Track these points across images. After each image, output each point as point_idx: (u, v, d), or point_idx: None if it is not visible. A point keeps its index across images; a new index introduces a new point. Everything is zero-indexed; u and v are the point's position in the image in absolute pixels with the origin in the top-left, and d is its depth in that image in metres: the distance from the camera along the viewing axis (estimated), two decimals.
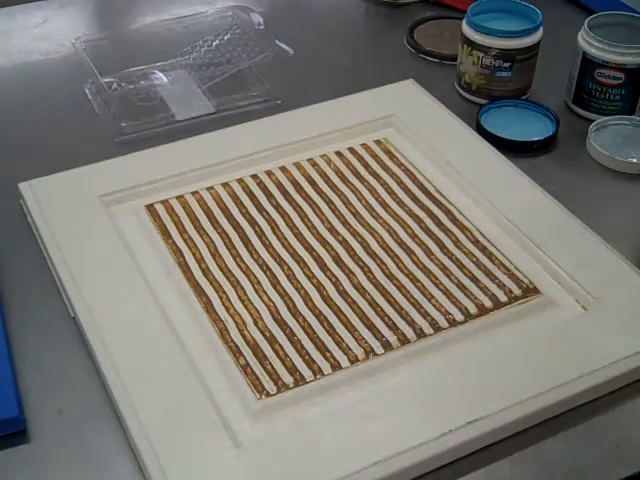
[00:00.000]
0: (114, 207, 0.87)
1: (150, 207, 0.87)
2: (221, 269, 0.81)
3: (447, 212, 0.87)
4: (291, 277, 0.80)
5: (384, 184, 0.91)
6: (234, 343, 0.74)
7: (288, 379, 0.71)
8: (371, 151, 0.95)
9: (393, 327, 0.75)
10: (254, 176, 0.91)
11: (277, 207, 0.87)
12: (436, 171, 0.92)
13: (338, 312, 0.77)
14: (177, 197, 0.88)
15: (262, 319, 0.76)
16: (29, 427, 0.69)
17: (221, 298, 0.78)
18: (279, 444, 0.66)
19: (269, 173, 0.91)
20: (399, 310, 0.77)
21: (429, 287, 0.79)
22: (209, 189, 0.89)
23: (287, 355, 0.73)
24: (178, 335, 0.74)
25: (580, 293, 0.78)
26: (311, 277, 0.80)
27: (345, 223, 0.86)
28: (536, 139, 0.97)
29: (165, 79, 1.02)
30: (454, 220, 0.86)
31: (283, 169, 0.92)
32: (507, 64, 1.01)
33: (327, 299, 0.78)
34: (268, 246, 0.83)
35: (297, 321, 0.76)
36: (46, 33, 1.17)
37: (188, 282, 0.79)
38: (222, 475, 0.64)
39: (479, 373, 0.71)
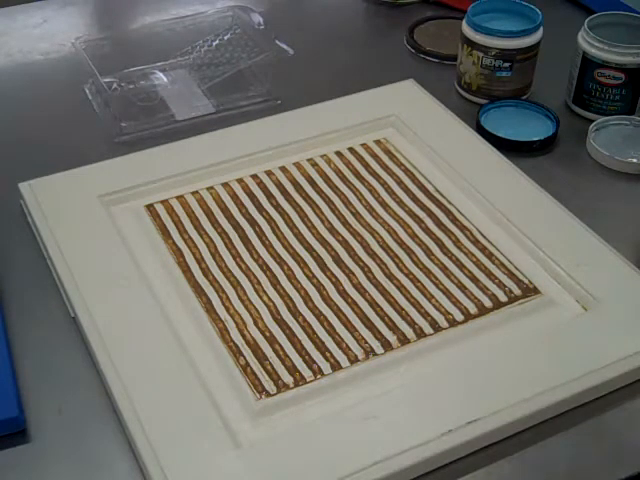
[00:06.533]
0: (114, 207, 0.87)
1: (150, 207, 0.87)
2: (221, 269, 0.81)
3: (447, 212, 0.87)
4: (291, 277, 0.80)
5: (384, 184, 0.91)
6: (234, 343, 0.74)
7: (288, 379, 0.71)
8: (371, 151, 0.95)
9: (393, 327, 0.75)
10: (254, 176, 0.91)
11: (277, 207, 0.87)
12: (436, 171, 0.92)
13: (338, 312, 0.77)
14: (177, 197, 0.88)
15: (262, 319, 0.76)
16: (29, 427, 0.69)
17: (221, 298, 0.78)
18: (279, 444, 0.66)
19: (269, 173, 0.91)
20: (399, 310, 0.77)
21: (429, 287, 0.79)
22: (209, 189, 0.89)
23: (287, 355, 0.73)
24: (178, 335, 0.74)
25: (580, 293, 0.78)
26: (311, 277, 0.80)
27: (345, 223, 0.86)
28: (536, 139, 0.97)
29: (165, 79, 1.02)
30: (454, 220, 0.86)
31: (283, 169, 0.92)
32: (507, 64, 1.01)
33: (327, 299, 0.78)
34: (268, 246, 0.83)
35: (297, 321, 0.76)
36: (46, 33, 1.17)
37: (188, 282, 0.79)
38: (222, 475, 0.64)
39: (479, 373, 0.71)
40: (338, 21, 1.23)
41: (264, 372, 0.71)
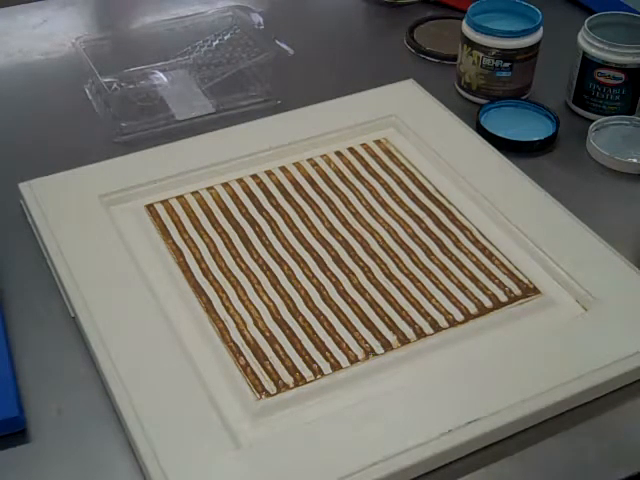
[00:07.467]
0: (114, 207, 0.87)
1: (150, 207, 0.87)
2: (221, 269, 0.81)
3: (447, 212, 0.87)
4: (291, 277, 0.80)
5: (384, 184, 0.91)
6: (234, 343, 0.74)
7: (288, 379, 0.71)
8: (371, 151, 0.95)
9: (393, 327, 0.75)
10: (254, 176, 0.91)
11: (277, 207, 0.87)
12: (436, 171, 0.92)
13: (338, 312, 0.77)
14: (177, 197, 0.88)
15: (262, 319, 0.76)
16: (29, 427, 0.69)
17: (221, 298, 0.78)
18: (279, 444, 0.66)
19: (269, 173, 0.91)
20: (399, 310, 0.77)
21: (429, 287, 0.79)
22: (209, 189, 0.89)
23: (287, 355, 0.73)
24: (178, 335, 0.74)
25: (580, 293, 0.78)
26: (311, 277, 0.80)
27: (345, 223, 0.86)
28: (536, 139, 0.97)
29: (165, 79, 1.02)
30: (454, 220, 0.86)
31: (283, 169, 0.92)
32: (507, 64, 1.01)
33: (327, 299, 0.78)
34: (268, 246, 0.83)
35: (297, 321, 0.76)
36: (46, 33, 1.17)
37: (188, 282, 0.79)
38: (222, 475, 0.64)
39: (479, 373, 0.71)
40: (338, 21, 1.23)
41: (264, 372, 0.71)
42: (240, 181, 0.90)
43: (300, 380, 0.71)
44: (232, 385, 0.71)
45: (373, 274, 0.80)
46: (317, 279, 0.80)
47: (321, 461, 0.65)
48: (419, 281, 0.80)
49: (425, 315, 0.76)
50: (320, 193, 0.89)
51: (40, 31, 1.17)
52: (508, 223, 0.85)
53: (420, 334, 0.75)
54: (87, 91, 1.04)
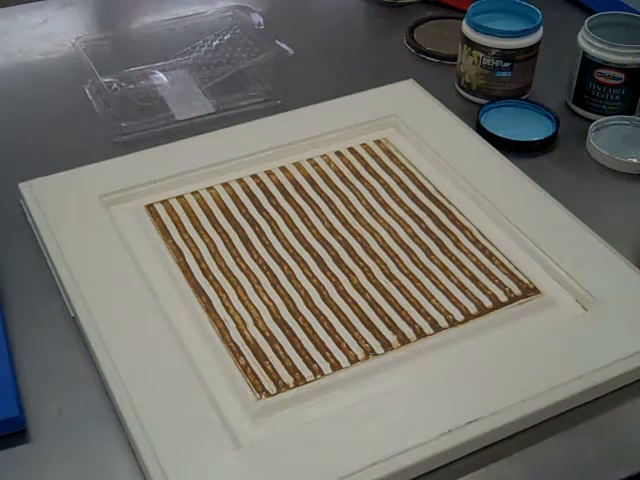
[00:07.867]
0: (114, 207, 0.87)
1: (150, 207, 0.87)
2: (221, 269, 0.81)
3: (447, 212, 0.87)
4: (291, 277, 0.80)
5: (384, 184, 0.91)
6: (234, 343, 0.74)
7: (288, 379, 0.71)
8: (371, 151, 0.95)
9: (393, 327, 0.75)
10: (254, 176, 0.91)
11: (277, 207, 0.87)
12: (436, 171, 0.92)
13: (338, 312, 0.77)
14: (177, 197, 0.88)
15: (262, 319, 0.76)
16: (29, 427, 0.69)
17: (221, 298, 0.78)
18: (279, 444, 0.66)
19: (269, 173, 0.91)
20: (399, 310, 0.77)
21: (429, 287, 0.79)
22: (209, 189, 0.89)
23: (287, 355, 0.73)
24: (178, 335, 0.74)
25: (580, 293, 0.78)
26: (311, 277, 0.80)
27: (345, 223, 0.86)
28: (536, 139, 0.97)
29: (165, 79, 1.02)
30: (454, 220, 0.86)
31: (283, 169, 0.92)
32: (507, 64, 1.01)
33: (327, 299, 0.78)
34: (268, 246, 0.83)
35: (297, 321, 0.76)
36: (46, 33, 1.17)
37: (188, 282, 0.79)
38: (222, 475, 0.64)
39: (479, 373, 0.71)
40: (338, 21, 1.23)
41: (264, 372, 0.71)
42: (240, 181, 0.90)
43: (300, 380, 0.71)
44: (232, 385, 0.71)
45: (373, 274, 0.80)
46: (317, 279, 0.80)
47: (321, 461, 0.65)
48: (419, 281, 0.80)
49: (425, 315, 0.76)
50: (320, 193, 0.89)
51: (40, 31, 1.17)
52: (508, 223, 0.85)
53: (420, 334, 0.75)
54: (87, 91, 1.04)
